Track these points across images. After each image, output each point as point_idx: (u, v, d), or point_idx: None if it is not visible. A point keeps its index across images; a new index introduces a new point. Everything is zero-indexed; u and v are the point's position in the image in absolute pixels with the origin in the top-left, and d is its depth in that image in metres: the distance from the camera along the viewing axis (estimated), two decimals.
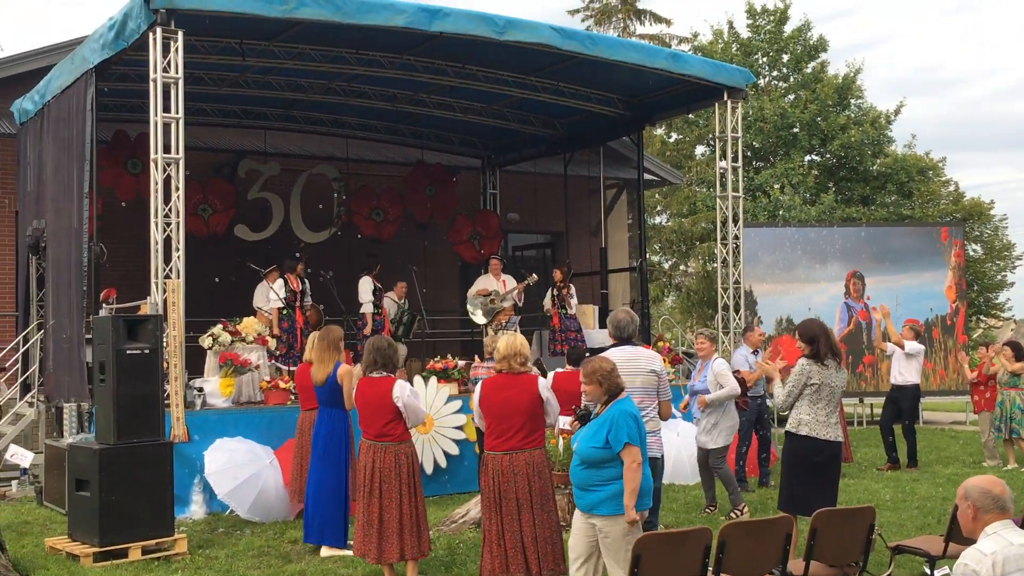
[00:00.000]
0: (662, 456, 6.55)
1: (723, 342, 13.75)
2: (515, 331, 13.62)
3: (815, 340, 7.05)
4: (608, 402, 5.56)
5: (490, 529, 6.36)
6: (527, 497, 6.27)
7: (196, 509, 9.36)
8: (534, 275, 14.55)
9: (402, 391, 6.78)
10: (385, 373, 6.86)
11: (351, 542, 8.05)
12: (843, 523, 5.81)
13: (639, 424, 5.51)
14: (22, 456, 10.09)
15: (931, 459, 13.07)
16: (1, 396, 11.98)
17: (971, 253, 26.51)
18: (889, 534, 7.78)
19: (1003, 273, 28.16)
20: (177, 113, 9.78)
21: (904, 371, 12.50)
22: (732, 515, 9.19)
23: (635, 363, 6.50)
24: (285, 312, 12.55)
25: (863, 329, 17.23)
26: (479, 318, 14.17)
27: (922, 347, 12.85)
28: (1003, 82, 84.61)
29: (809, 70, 27.30)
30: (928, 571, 6.28)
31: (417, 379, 10.73)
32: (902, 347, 12.44)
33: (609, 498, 5.44)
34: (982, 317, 28.80)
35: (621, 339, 6.62)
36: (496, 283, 14.31)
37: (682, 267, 32.05)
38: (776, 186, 25.67)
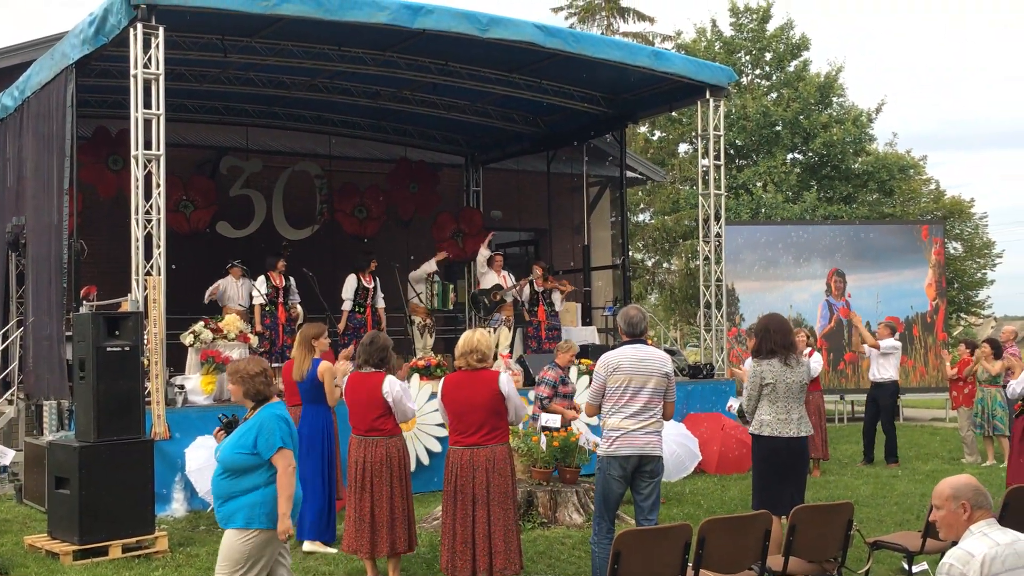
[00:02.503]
0: (662, 456, 6.55)
1: (705, 339, 13.80)
2: (492, 330, 13.62)
3: (757, 336, 7.09)
4: (257, 406, 5.18)
5: (445, 523, 6.38)
6: (484, 493, 6.25)
7: (177, 507, 9.33)
8: (540, 266, 14.64)
9: (391, 387, 6.78)
10: (375, 369, 6.86)
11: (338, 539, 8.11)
12: (822, 519, 5.84)
13: (291, 428, 5.15)
14: (2, 454, 10.03)
15: (911, 455, 13.16)
16: None
17: (951, 251, 26.70)
18: (868, 530, 7.83)
19: (983, 271, 28.39)
20: (158, 109, 9.74)
21: (882, 368, 12.65)
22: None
23: (648, 364, 6.37)
24: (267, 309, 12.52)
25: (844, 326, 17.32)
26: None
27: (898, 344, 12.97)
28: (986, 82, 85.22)
29: (791, 68, 27.43)
30: (906, 566, 6.33)
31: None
32: (877, 348, 12.57)
33: (243, 508, 4.98)
34: (962, 315, 29.00)
35: (634, 336, 6.57)
36: (498, 278, 14.34)
37: (665, 265, 32.16)
38: (759, 184, 25.78)
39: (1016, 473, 8.32)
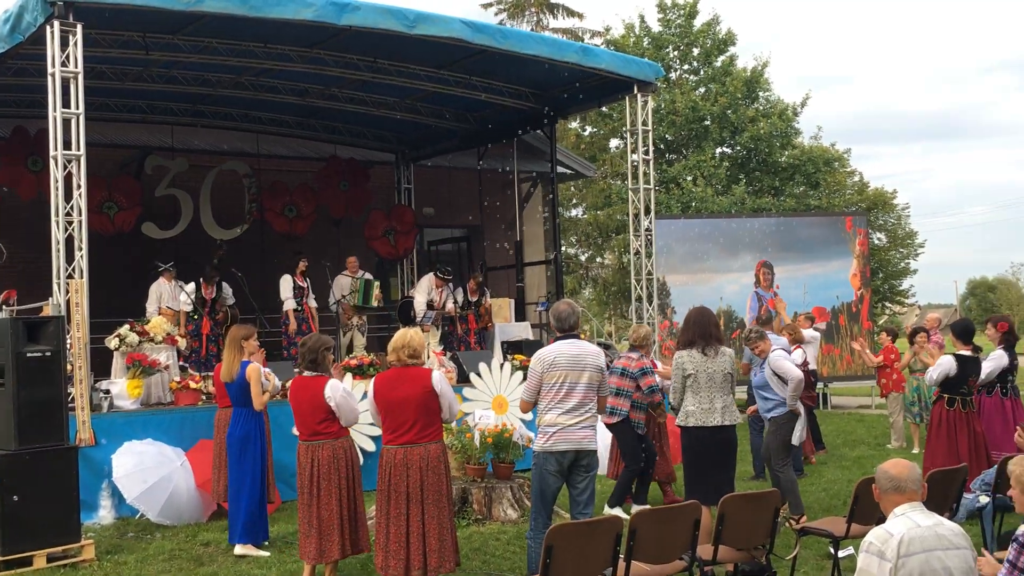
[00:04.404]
0: (597, 451, 6.60)
1: None
2: (425, 327, 13.56)
3: (683, 328, 7.26)
4: None
5: (379, 523, 6.34)
6: (418, 491, 6.22)
7: (104, 514, 9.14)
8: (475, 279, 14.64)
9: (334, 390, 6.71)
10: (317, 372, 6.79)
11: (266, 543, 8.03)
12: (750, 508, 5.94)
13: None
14: None
15: (838, 442, 13.43)
16: None
17: (876, 242, 27.31)
18: None
19: (906, 260, 29.09)
20: (77, 109, 9.51)
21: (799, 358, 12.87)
22: (789, 523, 8.03)
23: (582, 359, 6.40)
24: (193, 316, 12.33)
25: (773, 317, 17.57)
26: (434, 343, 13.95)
27: (817, 334, 13.23)
28: (906, 77, 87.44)
29: (719, 64, 27.79)
30: (832, 551, 6.46)
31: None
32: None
33: None
34: (887, 303, 29.68)
35: (564, 331, 6.58)
36: (435, 292, 14.26)
37: (598, 259, 32.37)
38: (689, 178, 26.08)
39: (933, 457, 8.53)
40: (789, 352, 9.35)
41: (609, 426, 9.12)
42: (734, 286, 17.75)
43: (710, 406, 7.08)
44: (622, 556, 5.28)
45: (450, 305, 14.32)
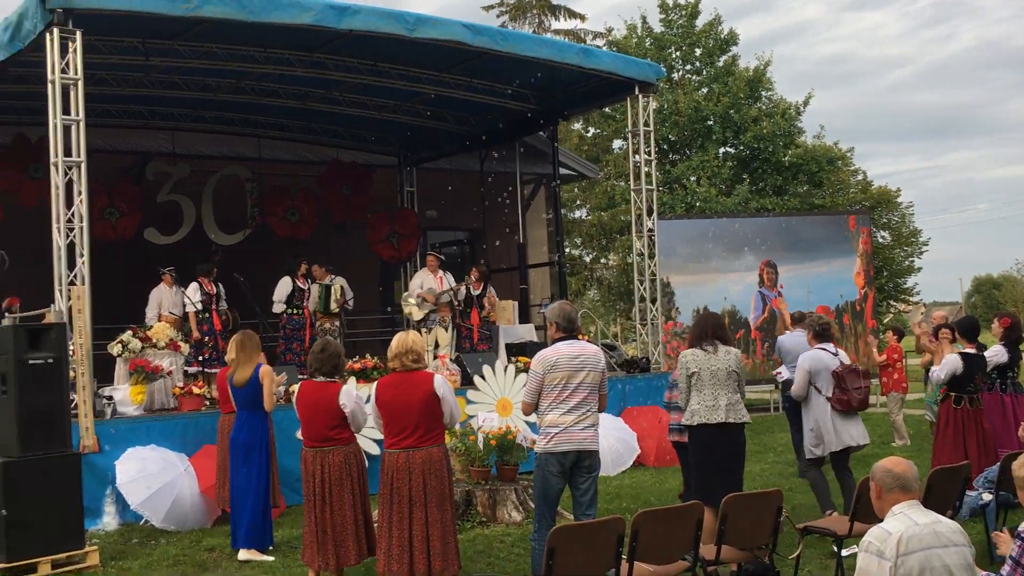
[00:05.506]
0: (599, 451, 6.59)
1: (640, 334, 13.90)
2: (428, 330, 13.45)
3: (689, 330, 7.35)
4: None
5: (382, 527, 6.33)
6: (421, 495, 6.22)
7: (109, 520, 9.14)
8: (478, 269, 14.44)
9: (348, 397, 6.72)
10: (328, 378, 6.79)
11: (271, 548, 8.03)
12: (752, 507, 5.92)
13: None
14: None
15: None
16: None
17: (879, 240, 27.23)
18: (799, 516, 7.95)
19: (911, 259, 28.96)
20: (77, 115, 9.52)
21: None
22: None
23: (583, 359, 6.40)
24: (203, 316, 12.35)
25: (777, 317, 17.57)
26: (416, 313, 13.76)
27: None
28: (907, 74, 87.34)
29: (721, 64, 27.76)
30: (836, 550, 6.44)
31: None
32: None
33: None
34: (892, 302, 29.58)
35: (569, 332, 6.58)
36: (434, 279, 14.10)
37: (603, 260, 32.33)
38: (692, 178, 26.05)
39: (941, 457, 8.50)
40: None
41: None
42: (738, 286, 17.71)
43: (714, 403, 7.08)
44: (624, 557, 5.27)
45: (454, 283, 13.97)
